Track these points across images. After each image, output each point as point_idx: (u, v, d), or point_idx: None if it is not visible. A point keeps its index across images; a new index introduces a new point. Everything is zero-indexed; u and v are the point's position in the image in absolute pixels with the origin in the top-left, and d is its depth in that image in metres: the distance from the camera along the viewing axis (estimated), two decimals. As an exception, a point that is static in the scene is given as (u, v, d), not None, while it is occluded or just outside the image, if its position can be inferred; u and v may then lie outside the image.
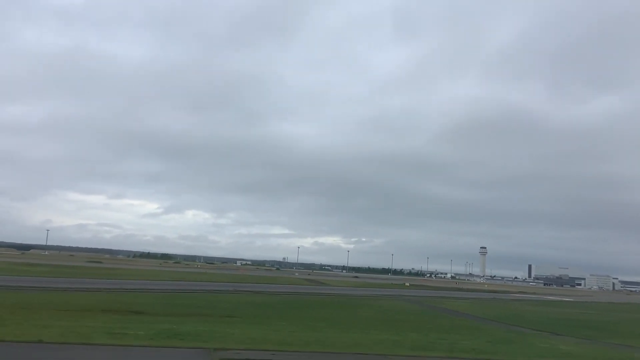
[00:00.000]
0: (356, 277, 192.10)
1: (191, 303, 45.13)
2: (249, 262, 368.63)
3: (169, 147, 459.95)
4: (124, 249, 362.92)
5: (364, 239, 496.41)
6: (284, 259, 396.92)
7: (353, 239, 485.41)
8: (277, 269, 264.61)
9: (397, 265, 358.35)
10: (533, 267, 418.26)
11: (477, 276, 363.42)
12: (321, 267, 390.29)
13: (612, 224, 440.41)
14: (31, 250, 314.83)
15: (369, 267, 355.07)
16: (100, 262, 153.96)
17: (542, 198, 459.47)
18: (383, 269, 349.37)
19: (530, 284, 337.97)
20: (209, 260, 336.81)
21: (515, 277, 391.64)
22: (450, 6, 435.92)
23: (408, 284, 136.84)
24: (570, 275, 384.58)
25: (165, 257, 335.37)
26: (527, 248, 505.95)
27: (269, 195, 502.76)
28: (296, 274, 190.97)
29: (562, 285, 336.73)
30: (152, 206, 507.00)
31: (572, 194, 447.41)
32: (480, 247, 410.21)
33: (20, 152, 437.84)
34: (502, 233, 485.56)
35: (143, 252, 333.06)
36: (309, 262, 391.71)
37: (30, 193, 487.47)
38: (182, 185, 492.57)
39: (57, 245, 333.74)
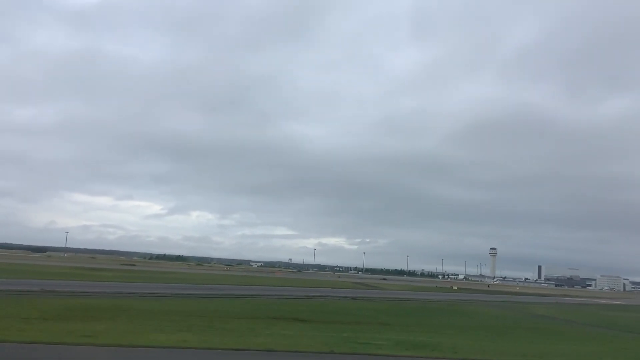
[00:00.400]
0: (384, 279, 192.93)
1: (324, 309, 46.49)
2: (262, 264, 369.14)
3: (179, 149, 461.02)
4: (132, 251, 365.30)
5: (367, 240, 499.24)
6: (289, 260, 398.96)
7: (357, 240, 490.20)
8: (299, 271, 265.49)
9: (402, 265, 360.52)
10: (543, 268, 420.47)
11: (488, 277, 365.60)
12: (333, 269, 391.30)
13: (622, 225, 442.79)
14: (47, 253, 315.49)
15: (382, 269, 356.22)
16: (134, 265, 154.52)
17: (551, 199, 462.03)
18: (396, 270, 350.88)
19: (543, 285, 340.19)
20: (226, 262, 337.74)
21: (526, 278, 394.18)
22: (467, 8, 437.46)
23: (456, 287, 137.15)
24: (580, 276, 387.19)
25: (180, 258, 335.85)
26: (534, 249, 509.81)
27: (275, 196, 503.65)
28: (339, 276, 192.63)
29: (573, 286, 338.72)
30: (157, 207, 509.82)
31: (581, 194, 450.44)
32: (490, 248, 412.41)
33: (30, 153, 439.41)
34: (509, 234, 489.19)
35: (159, 254, 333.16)
36: (321, 264, 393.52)
37: (36, 194, 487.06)
38: (188, 186, 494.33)
39: (61, 247, 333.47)
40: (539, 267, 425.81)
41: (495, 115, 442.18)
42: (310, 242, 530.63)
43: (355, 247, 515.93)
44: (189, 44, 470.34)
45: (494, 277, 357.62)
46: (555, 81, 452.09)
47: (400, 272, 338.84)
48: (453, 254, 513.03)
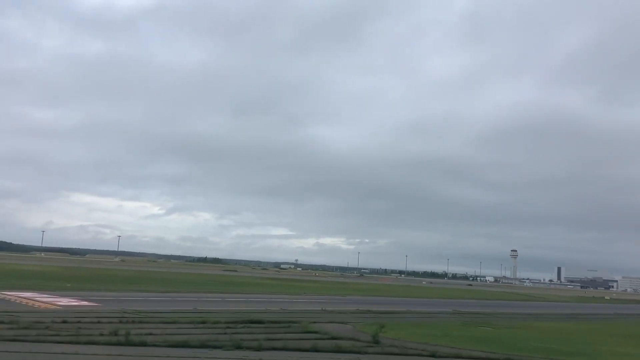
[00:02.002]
0: (431, 282, 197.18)
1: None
2: (292, 266, 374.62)
3: (200, 151, 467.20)
4: (150, 252, 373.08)
5: (366, 240, 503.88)
6: (295, 260, 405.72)
7: (356, 240, 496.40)
8: (342, 274, 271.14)
9: (400, 266, 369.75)
10: (562, 269, 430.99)
11: (518, 280, 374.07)
12: (360, 271, 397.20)
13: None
14: (87, 255, 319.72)
15: (425, 272, 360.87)
16: (236, 271, 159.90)
17: (570, 201, 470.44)
18: (433, 272, 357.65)
19: (569, 286, 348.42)
20: (262, 266, 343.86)
21: (550, 280, 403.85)
22: (520, 14, 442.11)
23: (608, 297, 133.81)
24: (603, 278, 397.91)
25: (216, 261, 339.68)
26: (549, 250, 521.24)
27: (286, 198, 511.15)
28: (423, 282, 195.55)
29: (596, 288, 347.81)
30: (165, 209, 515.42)
31: (601, 196, 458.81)
32: (511, 251, 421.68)
33: (48, 154, 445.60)
34: (523, 235, 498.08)
35: (200, 257, 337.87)
36: (344, 266, 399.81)
37: (46, 195, 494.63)
38: (199, 188, 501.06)
39: (68, 248, 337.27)
40: (559, 269, 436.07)
41: (524, 119, 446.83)
42: (307, 242, 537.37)
43: (352, 247, 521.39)
44: (234, 48, 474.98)
45: (527, 279, 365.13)
46: (593, 86, 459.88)
47: (429, 274, 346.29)
48: (457, 254, 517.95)
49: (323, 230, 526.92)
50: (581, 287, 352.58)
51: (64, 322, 23.11)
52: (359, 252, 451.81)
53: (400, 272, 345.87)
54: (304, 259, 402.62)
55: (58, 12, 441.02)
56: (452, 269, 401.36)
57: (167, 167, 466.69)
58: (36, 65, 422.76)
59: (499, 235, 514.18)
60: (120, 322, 24.20)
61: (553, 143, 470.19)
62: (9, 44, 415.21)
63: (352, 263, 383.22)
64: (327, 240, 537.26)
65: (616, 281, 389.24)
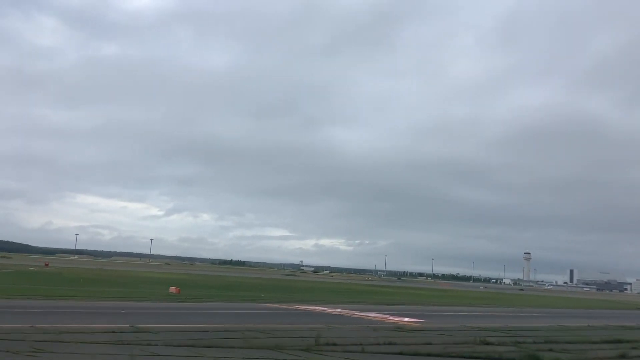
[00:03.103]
0: (486, 287, 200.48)
1: None
2: (313, 268, 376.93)
3: (214, 153, 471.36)
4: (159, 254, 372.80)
5: (366, 242, 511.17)
6: (300, 262, 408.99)
7: (356, 241, 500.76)
8: (399, 278, 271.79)
9: (397, 267, 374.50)
10: (575, 271, 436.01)
11: (528, 282, 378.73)
12: (377, 272, 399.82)
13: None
14: (113, 258, 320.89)
15: (452, 274, 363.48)
16: (296, 275, 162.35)
17: (582, 203, 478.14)
18: (464, 276, 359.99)
19: (585, 289, 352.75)
20: (281, 267, 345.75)
21: (565, 282, 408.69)
22: (552, 18, 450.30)
23: None
24: (617, 280, 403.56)
25: (238, 263, 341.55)
26: (558, 253, 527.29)
27: (293, 199, 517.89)
28: (481, 287, 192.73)
29: (611, 290, 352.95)
30: (177, 210, 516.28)
31: (613, 199, 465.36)
32: (525, 253, 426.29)
33: (62, 155, 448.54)
34: (530, 237, 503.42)
35: (224, 260, 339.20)
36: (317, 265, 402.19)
37: (53, 196, 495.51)
38: (210, 190, 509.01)
39: (79, 249, 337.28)
40: (571, 271, 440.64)
41: (543, 122, 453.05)
42: (306, 244, 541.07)
43: (351, 248, 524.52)
44: (261, 51, 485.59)
45: (554, 283, 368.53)
46: (621, 90, 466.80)
47: (454, 277, 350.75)
48: (459, 256, 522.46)
49: (324, 231, 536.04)
50: (597, 289, 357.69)
51: (486, 343, 23.84)
52: (386, 255, 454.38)
53: (427, 275, 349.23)
54: (305, 260, 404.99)
55: (87, 18, 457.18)
56: (453, 270, 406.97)
57: (184, 168, 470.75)
58: (59, 68, 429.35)
59: (508, 237, 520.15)
60: (517, 343, 24.73)
61: (569, 145, 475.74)
62: (30, 46, 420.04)
63: (348, 264, 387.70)
64: (327, 242, 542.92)
65: (630, 283, 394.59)
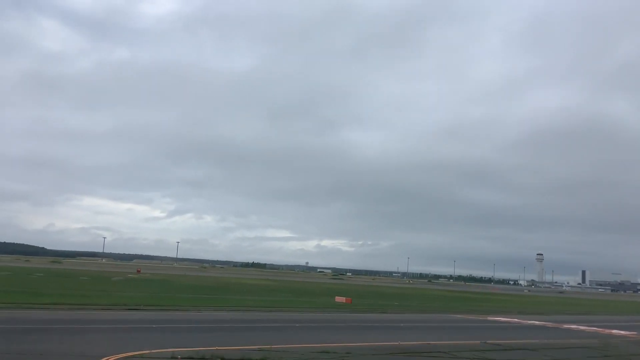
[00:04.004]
0: (529, 290, 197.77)
1: None
2: (330, 270, 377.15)
3: (225, 155, 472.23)
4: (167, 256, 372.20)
5: (369, 242, 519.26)
6: (306, 263, 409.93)
7: (359, 242, 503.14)
8: (429, 281, 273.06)
9: (397, 267, 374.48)
10: (587, 272, 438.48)
11: (542, 283, 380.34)
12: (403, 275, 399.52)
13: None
14: (134, 260, 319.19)
15: (471, 276, 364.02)
16: (343, 279, 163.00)
17: (595, 205, 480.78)
18: (482, 278, 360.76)
19: (600, 290, 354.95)
20: (304, 269, 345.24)
21: (579, 283, 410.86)
22: (581, 22, 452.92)
23: None
24: (630, 281, 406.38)
25: (258, 266, 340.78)
26: (566, 254, 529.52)
27: (301, 201, 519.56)
28: (525, 290, 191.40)
29: (625, 291, 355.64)
30: (186, 212, 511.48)
31: (626, 200, 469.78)
32: (537, 254, 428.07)
33: (76, 158, 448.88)
34: (539, 238, 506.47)
35: (247, 263, 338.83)
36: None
37: (63, 199, 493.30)
38: (216, 192, 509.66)
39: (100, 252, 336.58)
40: (583, 272, 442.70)
41: (561, 123, 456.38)
42: (308, 245, 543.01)
43: (353, 249, 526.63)
44: (286, 54, 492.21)
45: (568, 284, 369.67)
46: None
47: (473, 279, 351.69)
48: (467, 256, 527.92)
49: (327, 233, 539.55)
50: (612, 290, 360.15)
51: None
52: (408, 257, 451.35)
53: (450, 277, 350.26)
54: (308, 261, 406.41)
55: (112, 24, 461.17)
56: (464, 271, 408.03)
57: (193, 170, 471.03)
58: (77, 72, 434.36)
59: (516, 238, 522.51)
60: None
61: (583, 146, 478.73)
62: (48, 51, 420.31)
63: (349, 265, 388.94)
64: (329, 243, 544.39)
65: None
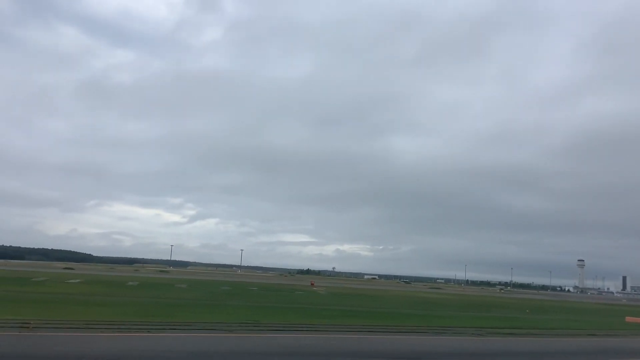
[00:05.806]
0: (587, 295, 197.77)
1: None
2: (376, 276, 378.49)
3: (265, 162, 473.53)
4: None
5: (390, 247, 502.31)
6: (333, 268, 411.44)
7: (379, 247, 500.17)
8: (500, 290, 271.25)
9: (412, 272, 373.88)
10: (627, 278, 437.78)
11: (607, 291, 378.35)
12: (435, 280, 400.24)
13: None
14: (170, 268, 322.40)
15: (512, 281, 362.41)
16: (407, 287, 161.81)
17: (636, 209, 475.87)
18: (531, 284, 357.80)
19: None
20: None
21: (623, 289, 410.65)
22: None
23: None
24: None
25: (313, 273, 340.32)
26: (602, 259, 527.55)
27: (334, 207, 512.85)
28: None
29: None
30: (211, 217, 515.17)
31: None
32: (578, 260, 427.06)
33: (115, 165, 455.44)
34: (573, 242, 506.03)
35: (302, 269, 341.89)
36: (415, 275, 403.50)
37: (88, 205, 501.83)
38: (244, 199, 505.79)
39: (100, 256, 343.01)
40: (624, 278, 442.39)
41: (612, 129, 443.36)
42: (326, 249, 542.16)
43: (372, 254, 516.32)
44: (345, 62, 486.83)
45: (618, 290, 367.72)
46: None
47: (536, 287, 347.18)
48: (485, 261, 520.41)
49: (348, 237, 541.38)
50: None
51: None
52: (466, 265, 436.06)
53: (506, 284, 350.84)
54: (320, 265, 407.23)
55: (161, 35, 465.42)
56: (492, 278, 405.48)
57: (231, 177, 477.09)
58: (135, 82, 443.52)
59: (554, 243, 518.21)
60: None
61: (632, 152, 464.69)
62: (107, 63, 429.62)
63: (366, 269, 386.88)
64: (348, 247, 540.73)
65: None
